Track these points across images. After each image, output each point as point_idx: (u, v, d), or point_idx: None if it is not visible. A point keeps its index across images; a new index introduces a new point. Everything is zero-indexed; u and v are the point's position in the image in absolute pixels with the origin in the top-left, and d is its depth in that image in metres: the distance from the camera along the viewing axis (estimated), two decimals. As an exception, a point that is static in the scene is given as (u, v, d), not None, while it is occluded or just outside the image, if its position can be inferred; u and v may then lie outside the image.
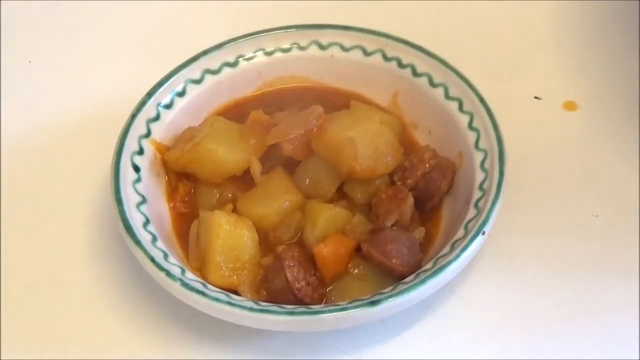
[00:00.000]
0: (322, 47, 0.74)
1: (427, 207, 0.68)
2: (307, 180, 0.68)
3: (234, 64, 0.73)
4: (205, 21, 0.87)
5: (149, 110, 0.70)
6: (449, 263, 0.60)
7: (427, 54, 0.72)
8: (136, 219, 0.64)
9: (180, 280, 0.60)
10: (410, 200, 0.66)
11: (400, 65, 0.73)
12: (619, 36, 0.83)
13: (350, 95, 0.74)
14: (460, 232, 0.63)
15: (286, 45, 0.74)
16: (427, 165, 0.67)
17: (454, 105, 0.70)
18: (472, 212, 0.64)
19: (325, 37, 0.74)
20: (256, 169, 0.68)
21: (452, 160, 0.69)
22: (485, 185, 0.65)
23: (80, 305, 0.67)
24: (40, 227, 0.71)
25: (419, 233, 0.65)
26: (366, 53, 0.74)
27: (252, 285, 0.64)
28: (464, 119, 0.69)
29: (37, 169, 0.75)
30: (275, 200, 0.67)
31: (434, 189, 0.67)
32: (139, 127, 0.69)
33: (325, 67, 0.75)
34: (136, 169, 0.67)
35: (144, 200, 0.66)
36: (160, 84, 0.71)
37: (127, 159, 0.67)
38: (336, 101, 0.73)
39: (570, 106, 0.78)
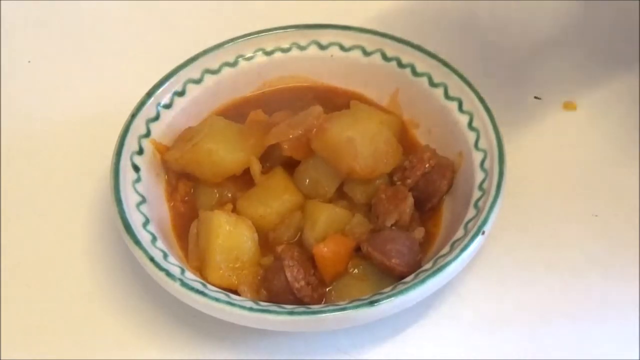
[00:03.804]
0: (322, 47, 0.74)
1: (426, 207, 0.68)
2: (307, 180, 0.68)
3: (233, 64, 0.73)
4: (205, 21, 0.87)
5: (149, 110, 0.70)
6: (448, 263, 0.60)
7: (427, 54, 0.72)
8: (136, 219, 0.64)
9: (180, 280, 0.60)
10: (410, 200, 0.66)
11: (400, 65, 0.73)
12: (619, 36, 0.83)
13: (350, 95, 0.74)
14: (460, 232, 0.63)
15: (286, 45, 0.74)
16: (427, 165, 0.67)
17: (453, 105, 0.70)
18: (471, 212, 0.64)
19: (325, 37, 0.74)
20: (256, 169, 0.68)
21: (452, 160, 0.69)
22: (485, 185, 0.65)
23: (80, 305, 0.67)
24: (40, 227, 0.71)
25: (419, 233, 0.65)
26: (366, 53, 0.74)
27: (252, 285, 0.64)
28: (464, 119, 0.69)
29: (37, 168, 0.75)
30: (275, 200, 0.67)
31: (434, 189, 0.67)
32: (139, 127, 0.69)
33: (325, 67, 0.75)
34: (136, 168, 0.67)
35: (143, 200, 0.66)
36: (160, 84, 0.71)
37: (127, 159, 0.67)
38: (336, 101, 0.73)
39: (570, 106, 0.78)
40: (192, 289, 0.60)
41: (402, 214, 0.65)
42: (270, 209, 0.67)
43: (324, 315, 0.59)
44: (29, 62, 0.84)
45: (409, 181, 0.67)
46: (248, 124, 0.71)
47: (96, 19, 0.88)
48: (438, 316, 0.65)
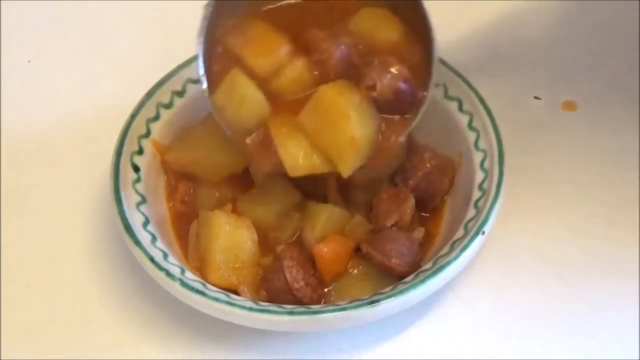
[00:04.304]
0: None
1: (429, 208, 0.68)
2: (307, 180, 0.68)
3: (233, 64, 0.73)
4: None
5: (148, 110, 0.70)
6: (448, 263, 0.60)
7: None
8: (136, 219, 0.64)
9: (180, 280, 0.60)
10: (411, 201, 0.66)
11: (400, 65, 0.72)
12: (619, 36, 0.83)
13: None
14: (460, 232, 0.63)
15: (286, 46, 0.74)
16: (428, 165, 0.67)
17: (453, 105, 0.70)
18: (471, 212, 0.64)
19: (324, 37, 0.74)
20: (256, 169, 0.68)
21: (452, 159, 0.69)
22: (485, 185, 0.65)
23: (80, 305, 0.67)
24: (40, 227, 0.71)
25: (419, 233, 0.65)
26: (366, 53, 0.73)
27: (251, 285, 0.64)
28: (464, 119, 0.69)
29: (37, 169, 0.75)
30: (275, 200, 0.67)
31: (436, 189, 0.67)
32: (138, 127, 0.69)
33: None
34: (136, 168, 0.67)
35: (143, 200, 0.66)
36: (160, 84, 0.71)
37: (127, 159, 0.67)
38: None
39: (569, 106, 0.78)
40: (192, 289, 0.60)
41: (403, 215, 0.65)
42: (270, 209, 0.66)
43: (323, 315, 0.59)
44: (29, 62, 0.84)
45: (410, 182, 0.67)
46: (248, 123, 0.71)
47: (96, 19, 0.88)
48: (438, 316, 0.65)
